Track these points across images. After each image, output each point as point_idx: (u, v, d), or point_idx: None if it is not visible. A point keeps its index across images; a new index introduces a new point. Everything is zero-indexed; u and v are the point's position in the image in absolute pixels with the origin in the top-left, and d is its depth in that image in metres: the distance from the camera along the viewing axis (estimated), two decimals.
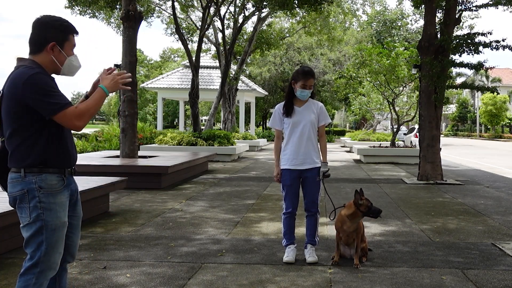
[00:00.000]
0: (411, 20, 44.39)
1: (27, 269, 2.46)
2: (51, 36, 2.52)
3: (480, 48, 10.38)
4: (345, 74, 19.68)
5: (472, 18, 37.00)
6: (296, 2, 16.44)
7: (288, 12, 18.93)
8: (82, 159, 9.97)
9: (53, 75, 2.59)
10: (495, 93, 11.14)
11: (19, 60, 2.54)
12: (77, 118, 2.44)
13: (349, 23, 32.93)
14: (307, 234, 4.48)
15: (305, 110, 4.42)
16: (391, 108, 17.80)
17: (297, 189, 4.45)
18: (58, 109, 2.39)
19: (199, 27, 19.94)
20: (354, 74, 19.01)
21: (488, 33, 10.46)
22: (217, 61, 24.27)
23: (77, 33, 2.63)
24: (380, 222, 6.19)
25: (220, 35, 22.50)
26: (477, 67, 10.60)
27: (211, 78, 28.86)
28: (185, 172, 10.68)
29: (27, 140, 2.44)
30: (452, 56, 10.91)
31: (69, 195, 2.61)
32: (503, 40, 10.34)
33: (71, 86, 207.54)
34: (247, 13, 22.05)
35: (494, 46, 10.33)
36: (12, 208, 4.38)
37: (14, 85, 2.40)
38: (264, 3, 17.73)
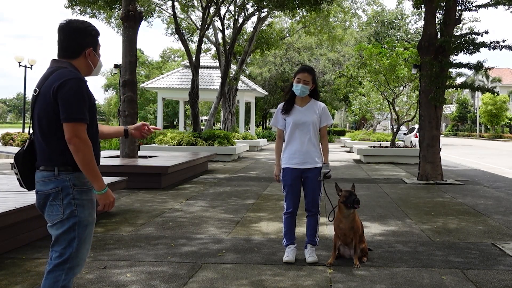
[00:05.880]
0: (410, 21, 44.40)
1: (56, 265, 2.48)
2: (87, 43, 2.59)
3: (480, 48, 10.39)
4: (345, 73, 19.68)
5: (472, 21, 37.06)
6: (297, 2, 16.43)
7: (288, 12, 18.92)
8: None
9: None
10: (495, 94, 11.17)
11: (56, 61, 2.56)
12: (79, 139, 2.40)
13: (349, 22, 32.88)
14: (307, 234, 4.48)
15: (307, 110, 4.42)
16: (391, 108, 17.79)
17: (298, 189, 4.44)
18: (72, 119, 2.39)
19: (199, 27, 19.95)
20: (354, 74, 19.01)
21: (484, 32, 10.46)
22: (217, 61, 24.27)
23: (100, 34, 2.71)
24: (380, 222, 6.19)
25: (220, 35, 22.53)
26: (477, 67, 10.61)
27: (211, 78, 28.86)
28: (185, 172, 10.69)
29: (62, 140, 2.44)
30: (451, 56, 10.91)
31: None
32: (503, 41, 10.36)
33: None
34: (247, 13, 22.05)
35: (492, 46, 10.34)
36: (12, 208, 4.45)
37: (56, 83, 2.41)
38: (264, 3, 17.72)
